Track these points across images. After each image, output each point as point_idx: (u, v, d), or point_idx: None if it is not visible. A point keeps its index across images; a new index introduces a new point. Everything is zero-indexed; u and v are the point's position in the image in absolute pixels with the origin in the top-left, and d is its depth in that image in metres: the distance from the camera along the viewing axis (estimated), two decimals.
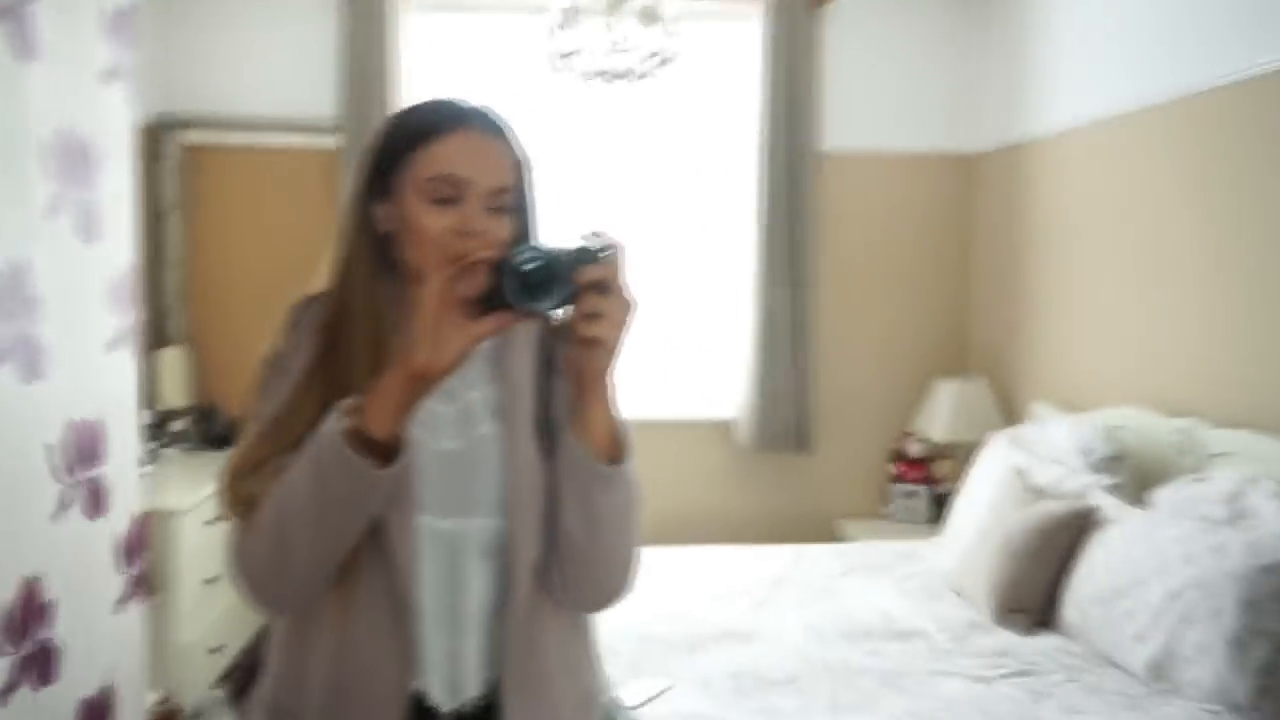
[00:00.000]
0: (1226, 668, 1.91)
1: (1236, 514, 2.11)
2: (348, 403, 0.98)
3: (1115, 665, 2.16)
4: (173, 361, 3.52)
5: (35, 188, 1.99)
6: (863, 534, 3.59)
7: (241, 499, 1.03)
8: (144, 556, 2.48)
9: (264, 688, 1.14)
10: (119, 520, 2.36)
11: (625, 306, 0.97)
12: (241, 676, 3.03)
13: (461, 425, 1.07)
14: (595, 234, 0.99)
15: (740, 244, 3.74)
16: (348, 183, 1.09)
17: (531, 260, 0.95)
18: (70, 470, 2.12)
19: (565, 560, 1.05)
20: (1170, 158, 2.69)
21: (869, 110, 3.81)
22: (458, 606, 1.05)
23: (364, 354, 1.05)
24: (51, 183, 2.05)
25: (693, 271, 3.85)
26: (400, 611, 1.03)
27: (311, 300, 1.15)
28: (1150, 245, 2.78)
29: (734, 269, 3.78)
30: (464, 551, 1.05)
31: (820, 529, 3.83)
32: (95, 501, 2.22)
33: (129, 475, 2.43)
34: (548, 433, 1.07)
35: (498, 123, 1.07)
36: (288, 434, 1.04)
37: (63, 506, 2.09)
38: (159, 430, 3.46)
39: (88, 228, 2.20)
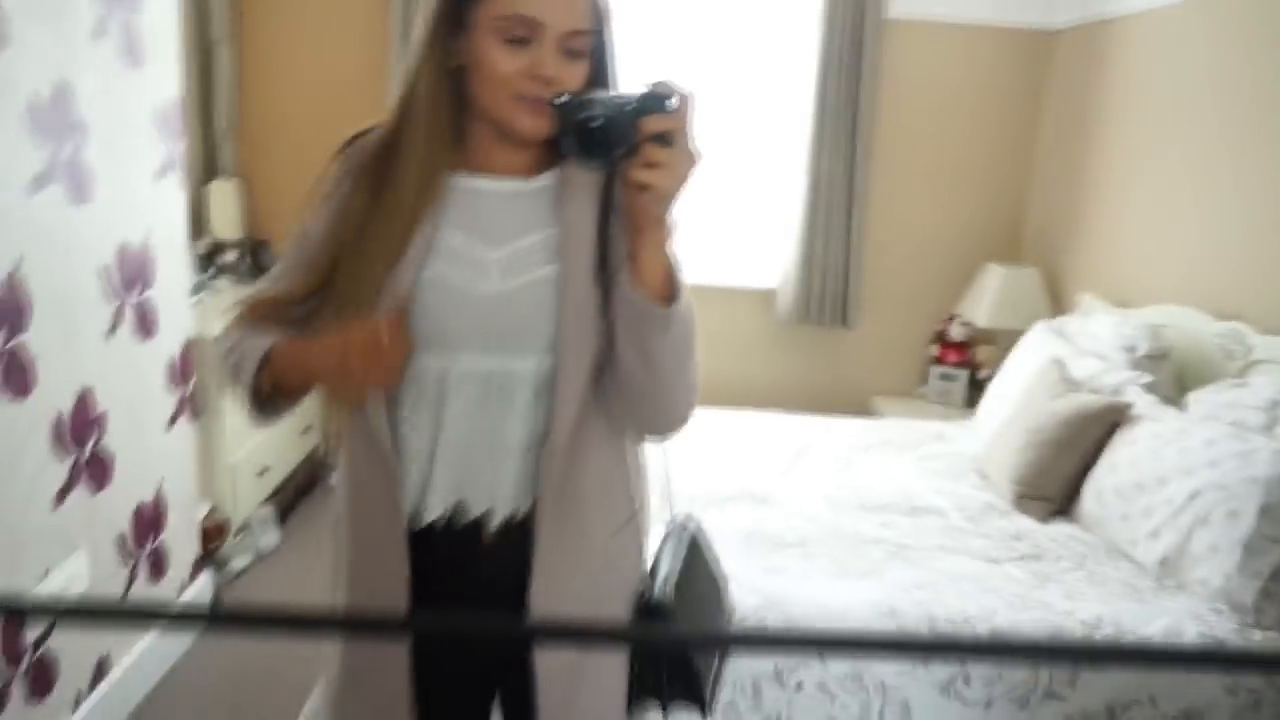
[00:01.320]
0: (1236, 570, 1.93)
1: (1273, 421, 2.08)
2: (280, 343, 1.10)
3: (1126, 558, 2.19)
4: (224, 194, 3.57)
5: (80, 6, 1.99)
6: (897, 412, 3.61)
7: (238, 322, 1.17)
8: (192, 379, 2.59)
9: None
10: (170, 342, 2.46)
11: (689, 159, 0.97)
12: (289, 497, 3.19)
13: (511, 267, 1.08)
14: (662, 83, 0.97)
15: (796, 110, 3.62)
16: (424, 11, 1.07)
17: (599, 114, 0.95)
18: (121, 291, 2.19)
19: (627, 396, 1.08)
20: (1246, 47, 2.52)
21: None
22: (498, 438, 1.09)
23: (408, 196, 1.07)
24: (97, 3, 2.04)
25: (747, 136, 3.76)
26: (395, 445, 1.12)
27: (362, 136, 1.16)
28: (1217, 142, 2.63)
29: (788, 136, 3.67)
30: (508, 388, 1.08)
31: (856, 404, 3.85)
32: (145, 323, 2.31)
33: (179, 300, 2.51)
34: (606, 274, 1.07)
35: None
36: (302, 276, 1.13)
37: (115, 325, 2.17)
38: (210, 261, 3.54)
39: (132, 51, 2.20)
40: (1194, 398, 2.31)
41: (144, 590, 2.40)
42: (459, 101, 1.09)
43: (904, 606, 1.90)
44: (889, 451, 2.90)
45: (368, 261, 1.07)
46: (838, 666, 1.80)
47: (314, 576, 2.95)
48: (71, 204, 1.97)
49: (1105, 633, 1.85)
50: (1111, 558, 2.19)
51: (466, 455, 1.10)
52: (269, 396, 1.12)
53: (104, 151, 2.08)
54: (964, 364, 3.75)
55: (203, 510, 2.87)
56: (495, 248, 1.08)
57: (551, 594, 1.12)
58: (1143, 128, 3.02)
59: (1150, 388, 2.45)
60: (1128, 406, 2.34)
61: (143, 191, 2.28)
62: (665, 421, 1.11)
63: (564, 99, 0.99)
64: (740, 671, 1.80)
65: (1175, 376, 2.56)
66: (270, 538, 3.19)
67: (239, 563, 3.00)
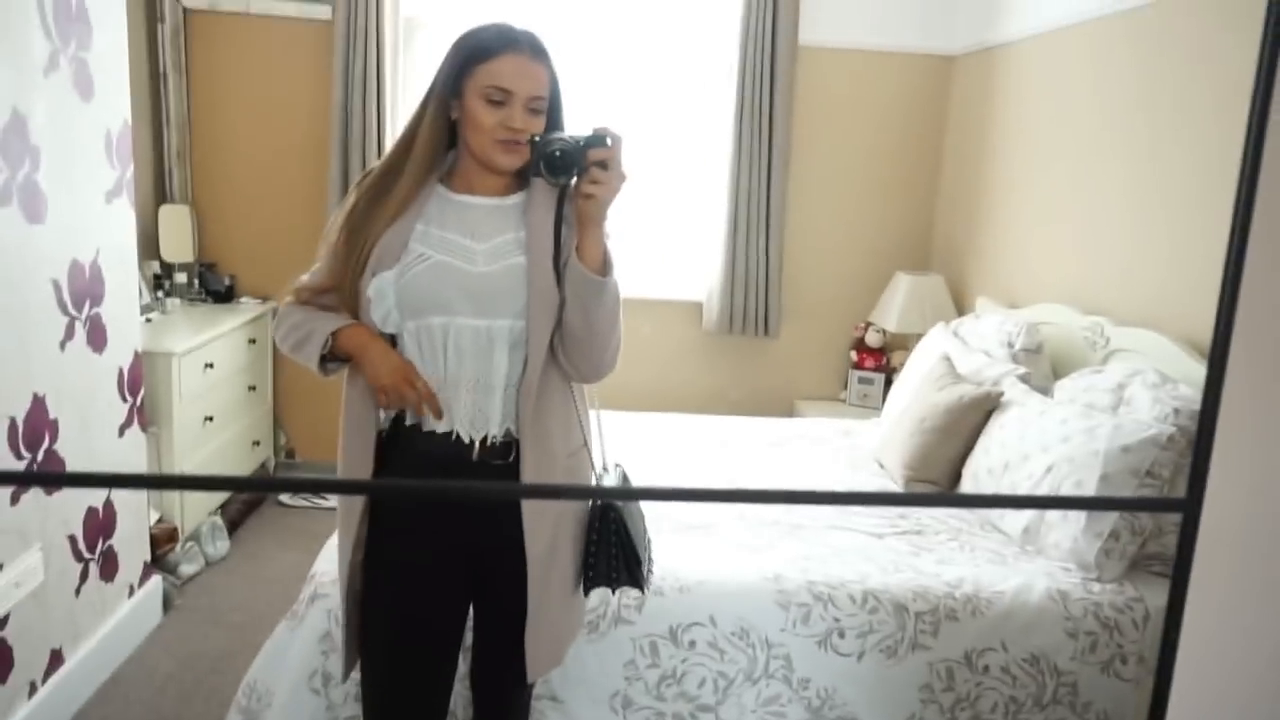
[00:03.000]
0: (1081, 533, 2.17)
1: (1118, 401, 2.33)
2: (344, 328, 1.53)
3: (996, 529, 2.43)
4: (176, 218, 3.74)
5: (35, 44, 2.18)
6: (819, 415, 3.84)
7: (291, 305, 1.62)
8: (141, 391, 2.76)
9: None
10: (120, 356, 2.63)
11: (621, 178, 1.46)
12: (239, 509, 3.45)
13: (492, 256, 1.51)
14: (602, 127, 1.46)
15: (718, 133, 3.88)
16: (431, 79, 1.57)
17: (558, 147, 1.45)
18: (73, 306, 2.37)
19: (569, 347, 1.52)
20: (1119, 68, 2.81)
21: (849, 6, 3.88)
22: (484, 377, 1.51)
23: (402, 198, 1.51)
24: (51, 40, 2.23)
25: (674, 159, 4.00)
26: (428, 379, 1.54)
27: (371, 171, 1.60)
28: (1092, 156, 2.91)
29: (711, 158, 3.92)
30: (493, 341, 1.50)
31: (781, 409, 4.08)
32: (96, 337, 2.48)
33: (129, 316, 2.69)
34: (558, 264, 1.51)
35: (540, 46, 1.51)
36: (326, 270, 1.58)
37: (67, 338, 2.35)
38: (163, 281, 3.71)
39: (82, 83, 2.39)
40: (1060, 385, 2.57)
41: (96, 589, 2.56)
42: (451, 141, 1.57)
43: (789, 573, 2.11)
44: (802, 445, 3.13)
45: (364, 234, 1.52)
46: (726, 625, 2.01)
47: (262, 584, 3.12)
48: (28, 222, 2.15)
49: (964, 590, 2.08)
50: (984, 530, 2.43)
51: (464, 390, 1.51)
52: (332, 361, 1.56)
53: (56, 175, 2.26)
54: (880, 368, 4.00)
55: (153, 517, 3.03)
56: (481, 242, 1.52)
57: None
58: (1031, 144, 3.30)
59: (1025, 378, 2.69)
60: (1000, 395, 2.59)
61: (93, 213, 2.46)
62: (597, 369, 1.56)
63: (537, 138, 1.48)
64: (638, 632, 2.00)
65: (1051, 367, 2.82)
66: (219, 546, 3.35)
67: (188, 569, 3.15)
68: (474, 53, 1.49)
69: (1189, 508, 0.72)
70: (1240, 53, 2.25)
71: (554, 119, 1.55)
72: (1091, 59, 2.96)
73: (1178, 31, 2.55)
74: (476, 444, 1.53)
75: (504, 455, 1.54)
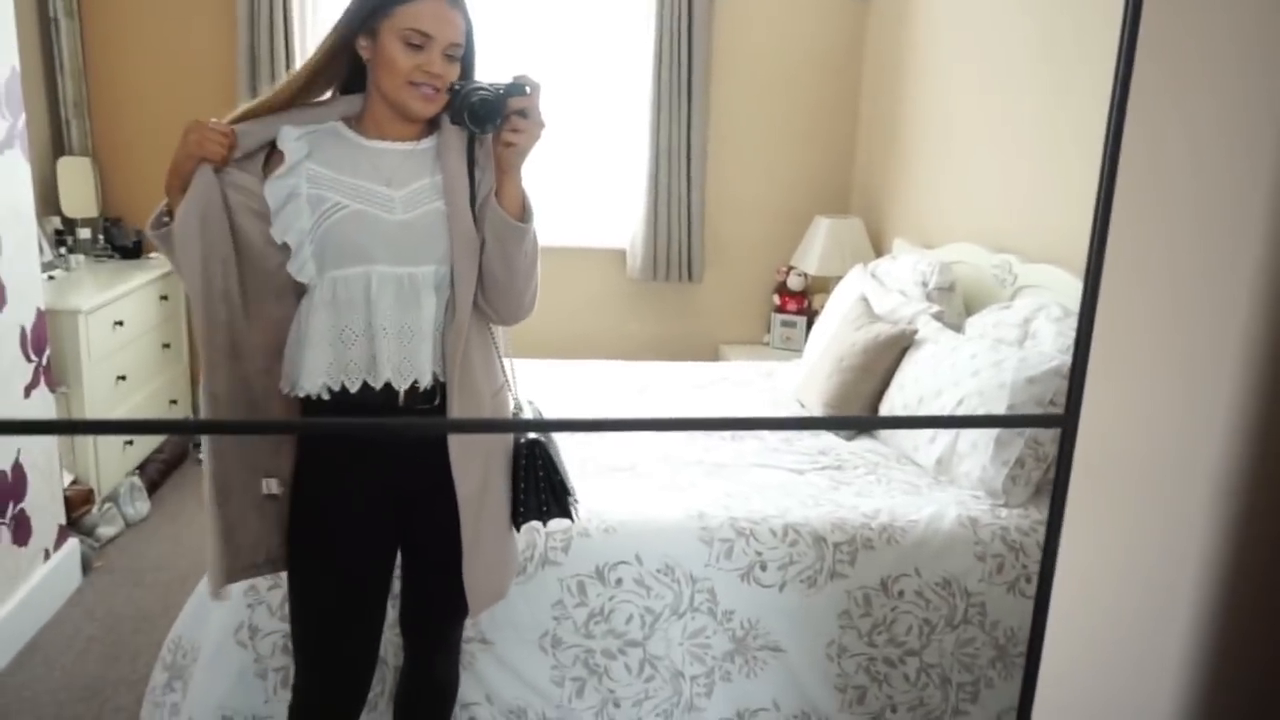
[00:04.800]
0: (989, 461, 2.26)
1: (1024, 335, 2.42)
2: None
3: (912, 462, 2.51)
4: (76, 171, 3.59)
5: None
6: (743, 359, 3.89)
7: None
8: (46, 350, 2.67)
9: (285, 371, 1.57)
10: (21, 313, 2.53)
11: (539, 125, 1.47)
12: (158, 468, 3.36)
13: (410, 203, 1.50)
14: (522, 76, 1.47)
15: (637, 79, 3.85)
16: (340, 14, 1.52)
17: (480, 96, 1.45)
18: None
19: (490, 291, 1.54)
20: (1027, 8, 2.86)
21: None
22: (411, 325, 1.50)
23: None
24: None
25: (595, 106, 3.97)
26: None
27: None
28: (1002, 92, 2.98)
29: (631, 104, 3.90)
30: (418, 288, 1.50)
31: (706, 355, 4.13)
32: None
33: (28, 272, 2.59)
34: (475, 207, 1.52)
35: None
36: None
37: None
38: (65, 237, 3.56)
39: None
40: (971, 321, 2.65)
41: (8, 554, 2.49)
42: (356, 85, 1.55)
43: (712, 510, 2.16)
44: (725, 388, 3.18)
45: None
46: (652, 562, 2.06)
47: (184, 545, 3.07)
48: None
49: (880, 520, 2.15)
50: (900, 464, 2.51)
51: (390, 338, 1.50)
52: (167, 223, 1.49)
53: None
54: (802, 311, 4.06)
55: (67, 479, 2.95)
56: (397, 189, 1.51)
57: (462, 438, 1.57)
58: (944, 85, 3.35)
59: (938, 316, 2.77)
60: (914, 333, 2.66)
61: None
62: (516, 312, 1.58)
63: (458, 86, 1.48)
64: (565, 573, 2.03)
65: (964, 305, 2.90)
66: (139, 507, 3.27)
67: (106, 530, 3.08)
68: None
69: (1067, 422, 0.76)
70: None
71: (467, 67, 1.55)
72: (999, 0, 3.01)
73: None
74: (402, 392, 1.52)
75: (429, 400, 1.55)
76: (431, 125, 1.56)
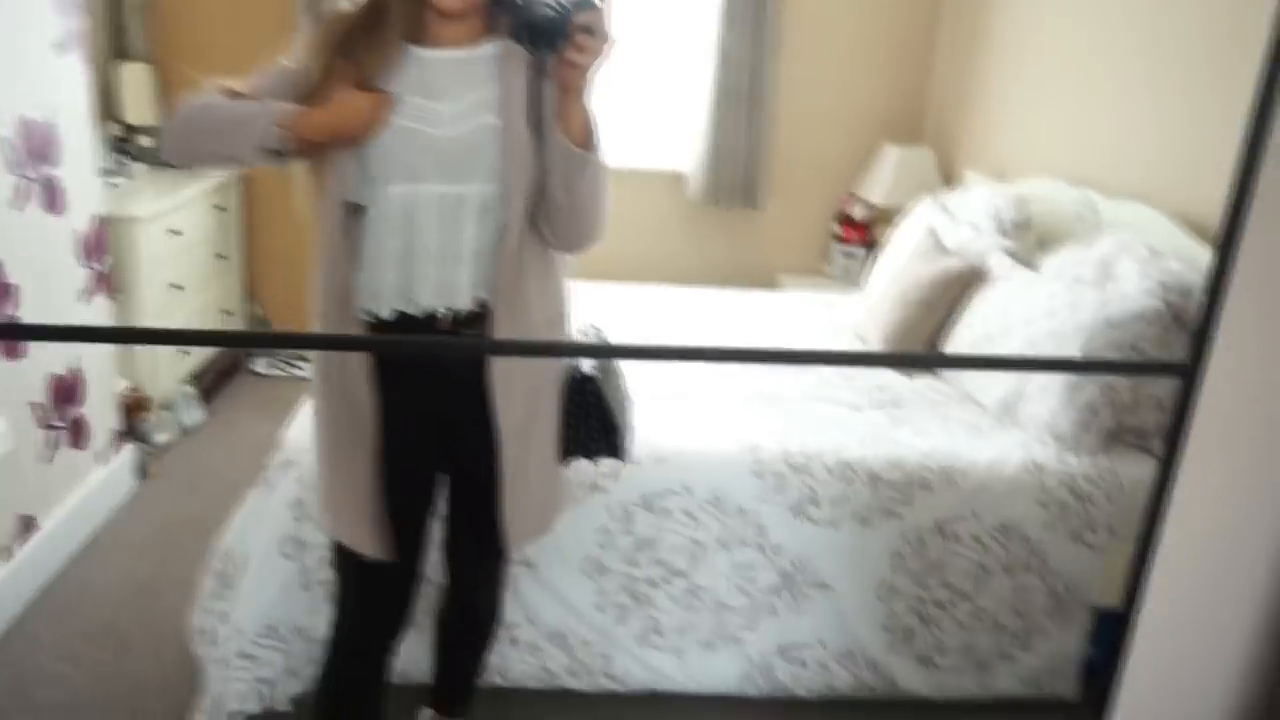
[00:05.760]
0: (1059, 405, 2.16)
1: (1104, 276, 2.29)
2: (292, 107, 1.38)
3: (974, 402, 2.42)
4: (136, 77, 3.56)
5: None
6: (801, 289, 3.79)
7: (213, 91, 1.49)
8: (105, 256, 2.67)
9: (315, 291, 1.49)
10: (79, 219, 2.53)
11: (607, 43, 1.33)
12: (213, 378, 3.34)
13: (460, 118, 1.40)
14: None
15: None
16: None
17: (544, 12, 1.31)
18: (26, 163, 2.26)
19: (553, 220, 1.44)
20: None
21: None
22: (454, 247, 1.42)
23: (359, 67, 1.39)
24: None
25: (660, 25, 3.82)
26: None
27: (335, 18, 1.46)
28: (1088, 25, 2.79)
29: (698, 24, 3.74)
30: (461, 208, 1.40)
31: (763, 282, 4.02)
32: (53, 198, 2.38)
33: (87, 178, 2.58)
34: (538, 123, 1.40)
35: None
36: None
37: (20, 197, 2.25)
38: (125, 143, 3.55)
39: None
40: (1046, 260, 2.52)
41: (67, 457, 2.53)
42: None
43: (765, 443, 2.10)
44: (784, 318, 3.09)
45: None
46: (701, 493, 2.01)
47: (239, 452, 3.10)
48: None
49: (939, 461, 2.08)
50: (962, 403, 2.42)
51: (430, 261, 1.42)
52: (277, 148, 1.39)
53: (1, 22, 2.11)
54: (865, 242, 3.93)
55: (122, 386, 2.98)
56: (447, 102, 1.40)
57: (505, 367, 1.48)
58: (1027, 16, 3.15)
59: (1012, 252, 2.64)
60: (985, 269, 2.54)
61: (43, 66, 2.32)
62: (580, 241, 1.48)
63: (521, 1, 1.33)
64: (612, 500, 2.00)
65: (1039, 242, 2.76)
66: (194, 415, 3.32)
67: (162, 437, 3.13)
68: None
69: (1190, 372, 0.68)
70: None
71: None
72: None
73: None
74: (444, 317, 1.45)
75: (474, 326, 1.46)
76: (490, 27, 1.44)
